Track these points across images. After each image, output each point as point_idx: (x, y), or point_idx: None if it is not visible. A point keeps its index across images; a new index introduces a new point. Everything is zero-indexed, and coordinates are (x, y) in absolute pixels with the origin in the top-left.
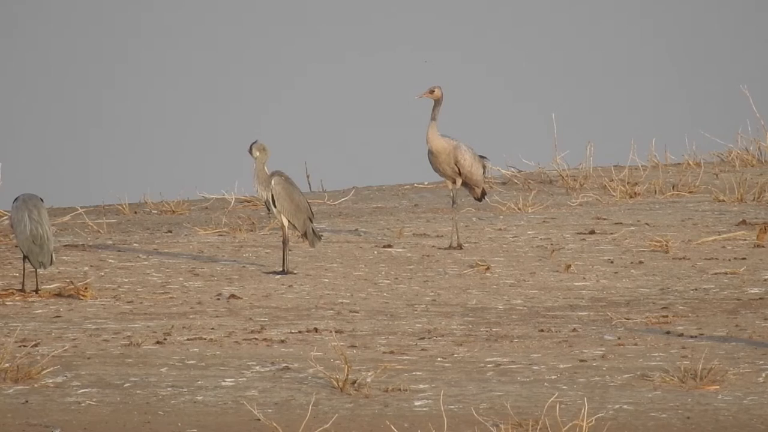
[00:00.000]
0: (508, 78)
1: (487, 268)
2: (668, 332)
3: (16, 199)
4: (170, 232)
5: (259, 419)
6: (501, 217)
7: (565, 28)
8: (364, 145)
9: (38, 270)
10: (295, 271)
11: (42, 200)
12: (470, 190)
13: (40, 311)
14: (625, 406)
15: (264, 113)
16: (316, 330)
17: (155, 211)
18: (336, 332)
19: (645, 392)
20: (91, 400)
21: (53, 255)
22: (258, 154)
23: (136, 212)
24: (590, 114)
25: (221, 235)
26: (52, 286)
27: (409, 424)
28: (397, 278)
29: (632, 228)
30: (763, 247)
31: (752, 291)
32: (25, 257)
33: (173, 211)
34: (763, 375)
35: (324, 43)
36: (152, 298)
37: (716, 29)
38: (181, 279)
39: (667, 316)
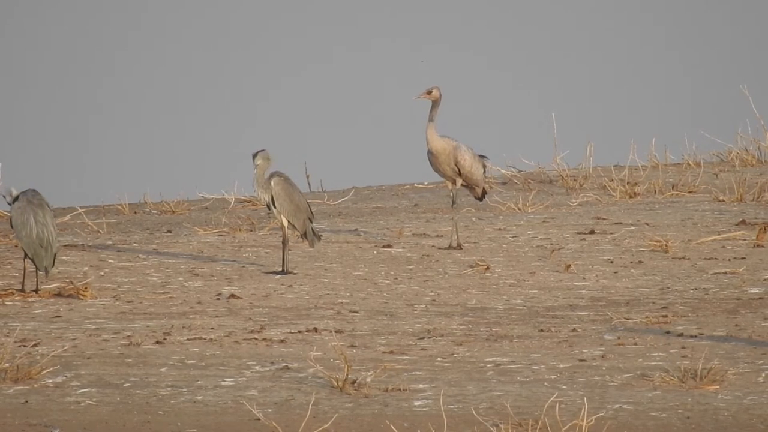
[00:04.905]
0: (508, 78)
1: (487, 268)
2: (668, 332)
3: (16, 198)
4: (170, 232)
5: (258, 419)
6: (501, 217)
7: (565, 28)
8: (364, 145)
9: (42, 273)
10: (295, 271)
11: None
12: (470, 190)
13: (39, 311)
14: (625, 406)
15: (264, 113)
16: (315, 330)
17: (155, 211)
18: (336, 332)
19: (645, 392)
20: (90, 400)
21: (55, 257)
22: (260, 162)
23: (135, 212)
24: (590, 114)
25: (221, 235)
26: (51, 286)
27: (409, 424)
28: (396, 278)
29: (632, 228)
30: (762, 246)
31: (752, 291)
32: (26, 257)
33: (173, 211)
34: (763, 375)
35: (324, 43)
36: (152, 298)
37: (716, 29)
38: (180, 279)
39: (666, 316)
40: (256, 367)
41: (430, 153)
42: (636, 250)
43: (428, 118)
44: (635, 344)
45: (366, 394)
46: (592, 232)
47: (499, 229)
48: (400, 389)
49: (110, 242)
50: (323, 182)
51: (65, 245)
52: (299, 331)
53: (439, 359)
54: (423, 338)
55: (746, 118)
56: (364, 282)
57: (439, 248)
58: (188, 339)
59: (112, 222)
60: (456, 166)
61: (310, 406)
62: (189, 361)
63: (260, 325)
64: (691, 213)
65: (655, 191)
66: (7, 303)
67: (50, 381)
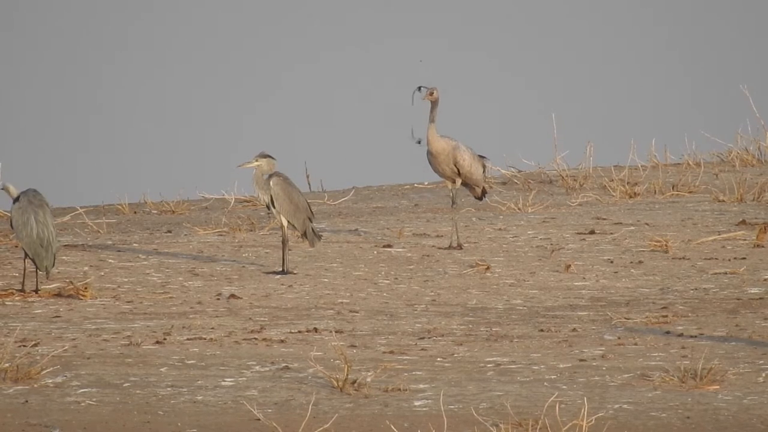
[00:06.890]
0: (508, 77)
1: (487, 268)
2: (668, 332)
3: (16, 199)
4: (170, 232)
5: (259, 419)
6: (501, 217)
7: (565, 28)
8: (364, 145)
9: (42, 274)
10: (295, 271)
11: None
12: (470, 190)
13: (39, 311)
14: (625, 406)
15: (263, 113)
16: (315, 330)
17: (155, 211)
18: (336, 332)
19: (645, 392)
20: (90, 400)
21: (55, 257)
22: (261, 162)
23: (135, 212)
24: (590, 114)
25: (221, 235)
26: (52, 286)
27: (409, 424)
28: (397, 278)
29: (632, 228)
30: (762, 247)
31: (752, 291)
32: (26, 257)
33: (173, 211)
34: (763, 375)
35: (324, 42)
36: (152, 298)
37: (716, 29)
38: (180, 279)
39: (666, 316)
40: (256, 367)
41: (429, 153)
42: (636, 250)
43: (429, 119)
44: (635, 344)
45: (366, 394)
46: (592, 232)
47: (499, 229)
48: (400, 389)
49: (110, 242)
50: (323, 182)
51: (65, 245)
52: (299, 331)
53: (439, 359)
54: (423, 338)
55: (746, 118)
56: (364, 282)
57: (439, 248)
58: (188, 339)
59: (112, 222)
60: (455, 166)
61: (310, 406)
62: (189, 361)
63: (260, 325)
64: (691, 213)
65: (655, 191)
66: (7, 303)
67: (50, 381)
